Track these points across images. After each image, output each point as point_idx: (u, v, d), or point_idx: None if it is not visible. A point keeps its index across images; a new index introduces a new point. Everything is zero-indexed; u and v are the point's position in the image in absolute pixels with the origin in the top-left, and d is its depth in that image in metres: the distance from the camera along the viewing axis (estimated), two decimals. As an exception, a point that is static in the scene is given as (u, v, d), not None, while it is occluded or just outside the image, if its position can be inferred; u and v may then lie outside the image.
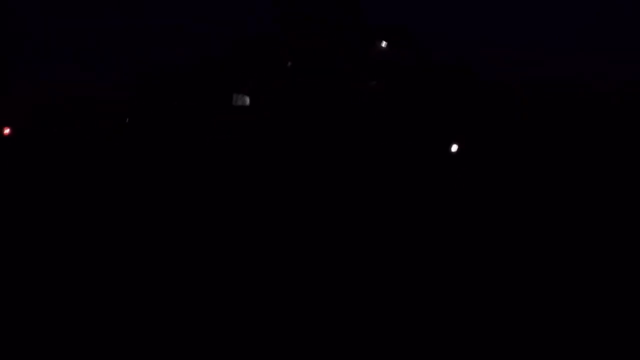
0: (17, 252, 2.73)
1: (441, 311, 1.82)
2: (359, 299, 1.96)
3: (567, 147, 6.46)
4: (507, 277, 2.18)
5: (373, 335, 1.70)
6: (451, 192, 2.01)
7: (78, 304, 2.03)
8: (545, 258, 2.37)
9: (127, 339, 1.71)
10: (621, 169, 4.54)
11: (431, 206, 1.92)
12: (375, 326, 1.76)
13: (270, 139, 4.77)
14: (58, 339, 1.75)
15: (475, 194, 3.50)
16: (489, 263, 2.33)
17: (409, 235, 2.18)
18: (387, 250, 2.42)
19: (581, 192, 3.77)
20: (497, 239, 2.63)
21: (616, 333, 1.66)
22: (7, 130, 9.58)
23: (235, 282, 2.22)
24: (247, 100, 2.31)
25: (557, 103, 12.31)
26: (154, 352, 1.64)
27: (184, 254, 2.59)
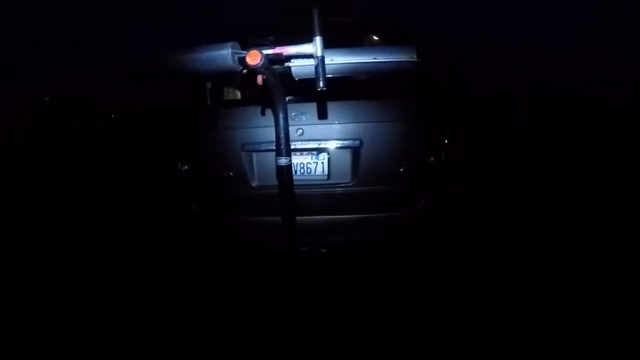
0: (16, 252, 2.73)
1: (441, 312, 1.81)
2: (356, 297, 1.95)
3: (567, 146, 6.45)
4: (506, 277, 2.17)
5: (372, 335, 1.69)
6: (451, 192, 2.01)
7: (78, 303, 2.03)
8: (544, 258, 2.37)
9: (127, 339, 1.70)
10: (621, 169, 4.53)
11: (431, 205, 1.94)
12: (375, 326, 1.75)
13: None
14: (58, 339, 1.74)
15: (475, 194, 3.49)
16: (487, 263, 2.32)
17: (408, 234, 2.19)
18: (385, 249, 2.41)
19: (581, 192, 3.76)
20: (496, 239, 2.62)
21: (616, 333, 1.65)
22: None
23: (233, 282, 2.21)
24: (238, 94, 2.27)
25: (557, 103, 12.31)
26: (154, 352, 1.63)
27: (183, 254, 2.58)
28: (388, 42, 2.15)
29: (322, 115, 1.96)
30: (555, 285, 2.05)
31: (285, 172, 1.06)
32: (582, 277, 2.13)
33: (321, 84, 0.91)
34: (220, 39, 0.95)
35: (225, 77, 2.16)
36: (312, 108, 1.93)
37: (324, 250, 1.89)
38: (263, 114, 1.92)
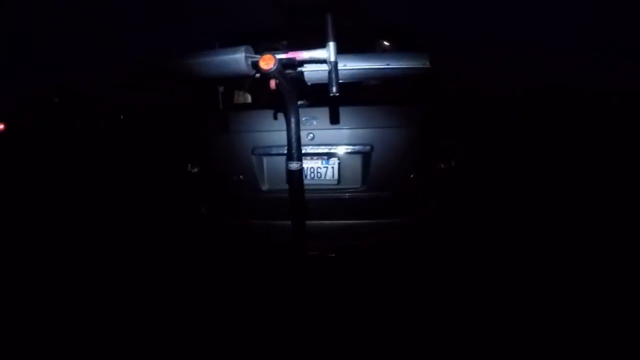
0: (15, 252, 2.72)
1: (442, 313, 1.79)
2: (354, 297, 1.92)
3: (566, 146, 6.46)
4: (505, 277, 2.17)
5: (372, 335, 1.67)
6: (460, 197, 1.98)
7: (78, 304, 2.01)
8: (544, 259, 2.36)
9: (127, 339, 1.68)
10: (621, 169, 4.54)
11: (440, 211, 1.91)
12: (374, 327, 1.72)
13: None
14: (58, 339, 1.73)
15: (474, 195, 3.49)
16: (487, 264, 2.31)
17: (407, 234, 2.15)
18: (383, 251, 2.39)
19: (581, 192, 3.76)
20: (495, 239, 2.61)
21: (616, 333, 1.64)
22: (1, 126, 9.52)
23: (241, 285, 2.19)
24: (249, 98, 2.26)
25: (557, 103, 12.32)
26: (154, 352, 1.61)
27: (191, 255, 2.56)
28: (398, 48, 2.15)
29: (333, 120, 1.96)
30: (554, 280, 2.06)
31: (296, 177, 1.06)
32: (584, 279, 2.14)
33: (334, 89, 0.90)
34: (230, 42, 0.95)
35: (236, 80, 2.16)
36: (323, 113, 1.93)
37: (333, 255, 1.89)
38: (275, 118, 1.92)
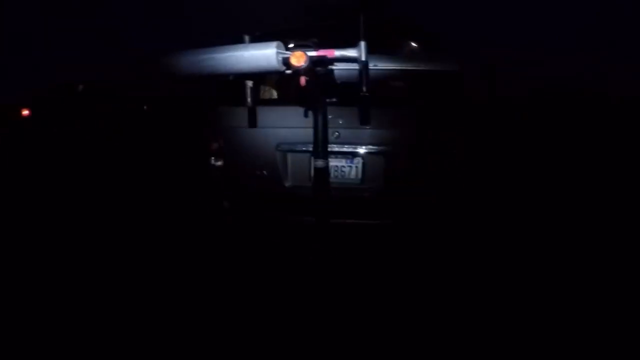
0: (15, 252, 2.70)
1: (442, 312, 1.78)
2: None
3: (567, 147, 6.47)
4: (506, 277, 2.16)
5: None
6: (450, 192, 1.96)
7: (78, 304, 2.00)
8: (544, 260, 2.36)
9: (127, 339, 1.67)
10: (621, 169, 4.55)
11: (466, 212, 1.89)
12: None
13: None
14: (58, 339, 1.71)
15: (474, 194, 3.49)
16: (487, 265, 2.29)
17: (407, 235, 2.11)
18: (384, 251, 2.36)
19: (581, 192, 3.77)
20: (495, 240, 2.58)
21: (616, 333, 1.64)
22: (26, 112, 9.66)
23: (261, 280, 2.16)
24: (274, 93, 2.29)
25: (557, 103, 12.32)
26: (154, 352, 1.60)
27: (184, 256, 2.54)
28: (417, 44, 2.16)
29: (360, 119, 1.96)
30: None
31: (321, 174, 1.07)
32: (584, 279, 2.14)
33: (364, 88, 0.91)
34: (257, 39, 0.96)
35: (263, 75, 2.17)
36: (349, 112, 1.91)
37: (355, 253, 1.89)
38: (301, 115, 1.94)
